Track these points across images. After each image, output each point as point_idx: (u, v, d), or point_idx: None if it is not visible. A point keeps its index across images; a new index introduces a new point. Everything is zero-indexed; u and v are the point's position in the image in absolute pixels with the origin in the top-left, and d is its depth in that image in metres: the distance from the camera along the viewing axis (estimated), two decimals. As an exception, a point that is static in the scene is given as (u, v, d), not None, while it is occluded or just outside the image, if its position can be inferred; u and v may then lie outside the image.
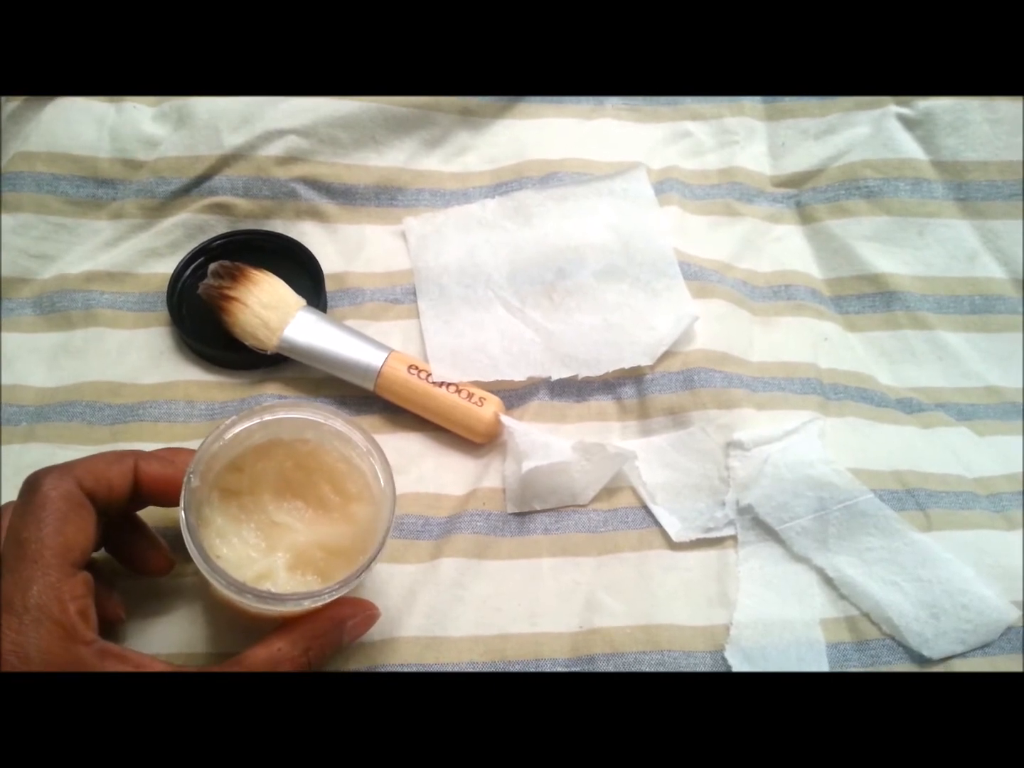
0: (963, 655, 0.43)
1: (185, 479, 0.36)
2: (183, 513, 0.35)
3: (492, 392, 0.49)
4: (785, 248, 0.57)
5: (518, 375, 0.50)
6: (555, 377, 0.50)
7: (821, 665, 0.43)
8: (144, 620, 0.42)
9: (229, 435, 0.38)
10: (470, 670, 0.42)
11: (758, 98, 0.61)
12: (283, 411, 0.39)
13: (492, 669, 0.42)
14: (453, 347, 0.51)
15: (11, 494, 0.44)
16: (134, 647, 0.41)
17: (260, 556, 0.39)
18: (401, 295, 0.53)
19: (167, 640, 0.42)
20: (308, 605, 0.36)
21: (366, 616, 0.40)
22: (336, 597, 0.36)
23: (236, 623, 0.42)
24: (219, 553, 0.38)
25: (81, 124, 0.54)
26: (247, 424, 0.38)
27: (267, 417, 0.39)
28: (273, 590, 0.37)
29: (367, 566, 0.36)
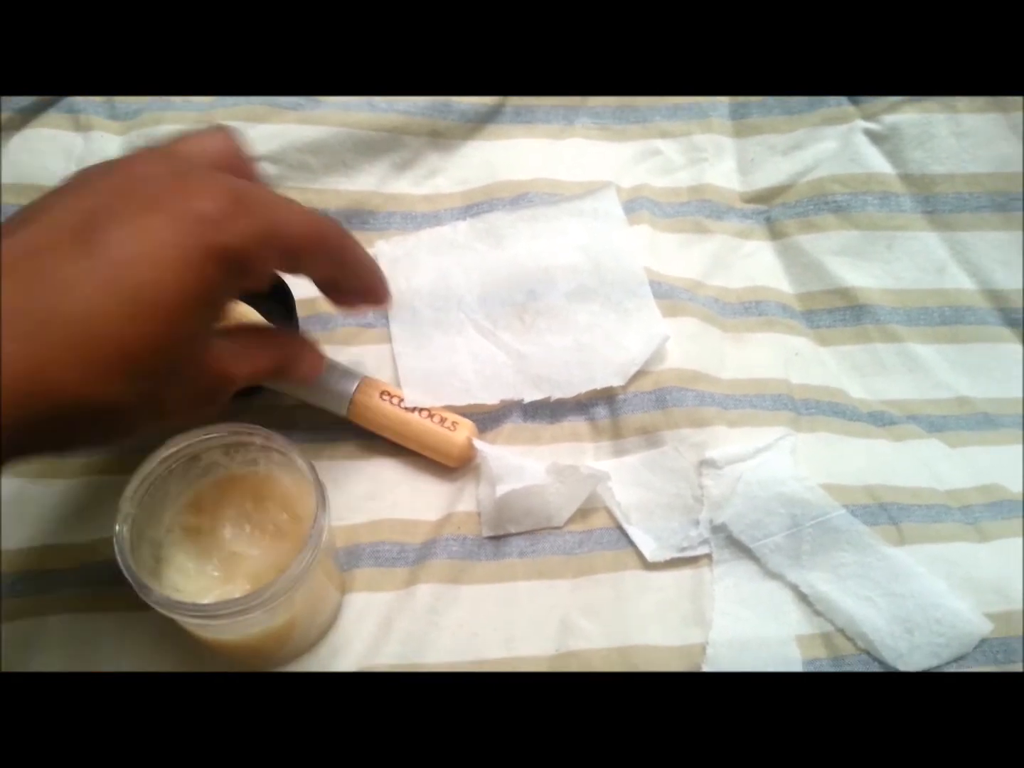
0: (937, 668, 0.44)
1: (119, 504, 0.36)
2: (115, 536, 0.36)
3: (465, 415, 0.49)
4: (755, 264, 0.58)
5: (491, 398, 0.50)
6: (528, 399, 0.50)
7: (797, 682, 0.43)
8: (123, 653, 0.42)
9: (165, 465, 0.39)
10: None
11: (726, 115, 0.61)
12: (219, 438, 0.39)
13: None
14: (426, 371, 0.51)
15: None
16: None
17: (218, 586, 0.39)
18: (373, 319, 0.53)
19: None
20: (246, 619, 0.36)
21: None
22: (269, 606, 0.36)
23: (222, 660, 0.43)
24: (179, 587, 0.38)
25: (48, 155, 0.54)
26: (184, 452, 0.39)
27: (201, 447, 0.39)
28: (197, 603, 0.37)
29: (303, 565, 0.36)
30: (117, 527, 0.36)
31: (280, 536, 0.40)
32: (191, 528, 0.40)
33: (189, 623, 0.37)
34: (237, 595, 0.37)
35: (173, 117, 0.54)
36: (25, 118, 0.54)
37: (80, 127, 0.54)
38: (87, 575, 0.44)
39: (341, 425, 0.49)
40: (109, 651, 0.42)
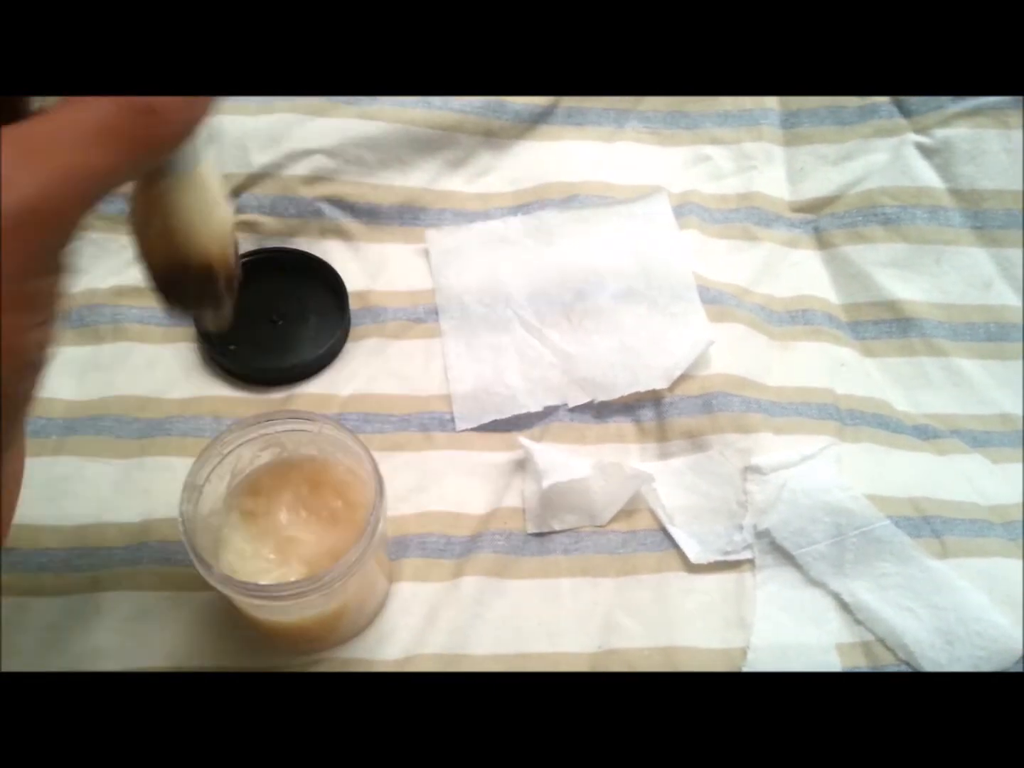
0: (977, 682, 0.44)
1: (184, 486, 0.37)
2: (180, 515, 0.36)
3: (511, 415, 0.50)
4: (803, 273, 0.58)
5: (535, 405, 0.50)
6: (571, 404, 0.51)
7: (836, 689, 0.43)
8: (174, 632, 0.43)
9: (227, 449, 0.39)
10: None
11: (777, 124, 0.62)
12: (280, 424, 0.40)
13: (511, 688, 0.43)
14: (474, 376, 0.52)
15: (41, 508, 0.45)
16: (164, 657, 0.43)
17: (273, 569, 0.40)
18: (424, 314, 0.54)
19: (196, 652, 0.43)
20: (306, 601, 0.37)
21: None
22: (326, 590, 0.36)
23: (272, 641, 0.43)
24: (235, 569, 0.39)
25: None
26: (245, 436, 0.39)
27: (261, 431, 0.40)
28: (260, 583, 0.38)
29: (360, 552, 0.37)
30: (182, 507, 0.36)
31: (334, 522, 0.41)
32: (248, 511, 0.40)
33: (245, 603, 0.38)
34: (292, 578, 0.38)
35: (234, 108, 0.55)
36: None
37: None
38: (142, 554, 0.45)
39: (389, 415, 0.50)
40: (161, 628, 0.43)
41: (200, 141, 0.29)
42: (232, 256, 0.32)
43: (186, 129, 0.27)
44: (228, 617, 0.43)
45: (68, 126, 0.24)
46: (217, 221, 0.31)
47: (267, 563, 0.40)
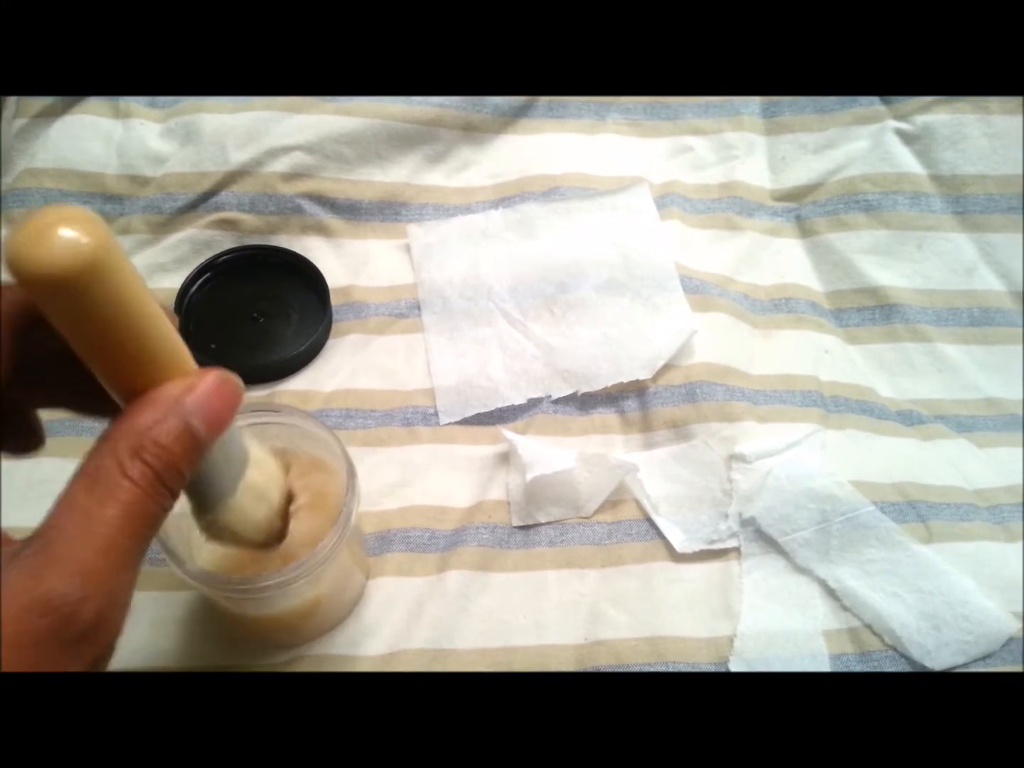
0: (964, 666, 0.44)
1: None
2: None
3: (495, 409, 0.50)
4: (785, 261, 0.58)
5: (519, 397, 0.50)
6: (555, 396, 0.51)
7: (824, 676, 0.43)
8: (156, 632, 0.43)
9: None
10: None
11: (758, 113, 0.62)
12: (249, 418, 0.39)
13: (498, 681, 0.42)
14: (457, 370, 0.51)
15: (23, 510, 0.45)
16: (144, 658, 0.42)
17: (251, 562, 0.39)
18: (406, 309, 0.54)
19: (179, 651, 0.42)
20: (284, 594, 0.37)
21: (215, 382, 0.26)
22: (299, 581, 0.36)
23: (248, 636, 0.43)
24: (210, 564, 0.39)
25: (88, 141, 0.54)
26: None
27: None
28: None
29: (332, 543, 0.37)
30: None
31: (309, 510, 0.40)
32: None
33: (222, 598, 0.37)
34: (268, 572, 0.38)
35: (213, 106, 0.55)
36: (66, 105, 0.55)
37: (119, 114, 0.55)
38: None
39: (372, 411, 0.50)
40: (143, 628, 0.43)
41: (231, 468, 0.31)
42: (283, 515, 0.34)
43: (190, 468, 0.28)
44: (210, 615, 0.43)
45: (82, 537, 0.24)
46: (266, 513, 0.33)
47: (241, 558, 0.39)
